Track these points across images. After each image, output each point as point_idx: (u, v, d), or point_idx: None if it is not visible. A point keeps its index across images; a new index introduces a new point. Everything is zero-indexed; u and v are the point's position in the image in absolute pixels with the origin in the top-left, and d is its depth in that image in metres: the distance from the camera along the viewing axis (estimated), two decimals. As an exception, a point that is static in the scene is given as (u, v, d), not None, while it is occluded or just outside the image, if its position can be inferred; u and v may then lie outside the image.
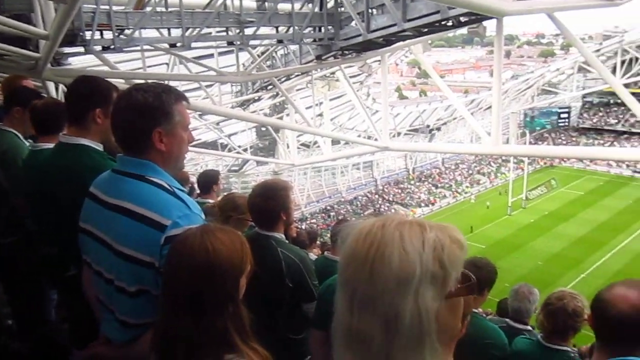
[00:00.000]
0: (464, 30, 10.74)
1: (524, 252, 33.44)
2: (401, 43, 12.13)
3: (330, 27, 11.05)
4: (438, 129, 43.99)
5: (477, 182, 50.42)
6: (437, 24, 9.45)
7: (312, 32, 11.30)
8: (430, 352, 0.96)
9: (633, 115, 48.55)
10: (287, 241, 3.18)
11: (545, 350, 2.99)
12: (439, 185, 48.99)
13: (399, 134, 40.53)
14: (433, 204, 45.26)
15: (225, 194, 4.85)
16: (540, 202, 43.36)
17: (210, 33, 10.49)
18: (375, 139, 14.69)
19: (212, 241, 1.58)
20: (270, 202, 3.06)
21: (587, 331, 2.44)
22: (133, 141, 1.88)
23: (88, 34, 8.42)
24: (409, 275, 0.94)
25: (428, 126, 42.39)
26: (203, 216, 1.91)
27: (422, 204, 45.19)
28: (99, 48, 8.88)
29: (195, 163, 30.17)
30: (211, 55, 16.09)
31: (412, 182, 49.14)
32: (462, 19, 9.42)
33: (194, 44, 9.97)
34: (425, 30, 10.17)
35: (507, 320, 3.89)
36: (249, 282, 1.70)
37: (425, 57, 13.56)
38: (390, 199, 46.14)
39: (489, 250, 33.08)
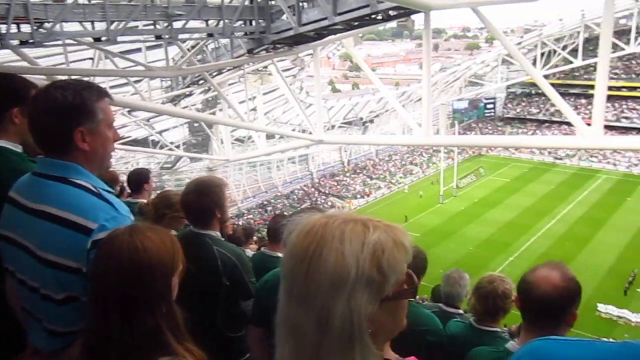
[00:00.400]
0: (393, 24, 10.94)
1: (456, 238, 34.62)
2: (333, 36, 12.22)
3: (261, 21, 10.97)
4: (371, 121, 44.68)
5: (410, 173, 51.65)
6: (367, 18, 9.59)
7: (243, 25, 11.18)
8: (361, 353, 0.96)
9: (553, 105, 51.04)
10: (222, 239, 3.14)
11: (476, 331, 3.11)
12: (374, 176, 49.83)
13: (333, 126, 40.84)
14: (368, 195, 45.99)
15: (159, 191, 4.73)
16: (470, 190, 44.97)
17: (137, 27, 10.16)
18: (310, 133, 14.75)
19: (142, 240, 1.53)
20: (204, 199, 3.00)
21: (517, 311, 2.55)
22: (53, 142, 1.78)
23: (3, 27, 7.95)
24: (343, 278, 0.94)
25: (361, 119, 43.00)
26: (132, 217, 1.84)
27: (358, 196, 45.82)
28: (16, 42, 8.40)
29: (125, 162, 29.20)
30: (139, 50, 15.62)
31: (348, 174, 49.72)
32: (391, 12, 9.61)
33: (120, 38, 9.63)
34: (356, 23, 10.29)
35: (440, 305, 4.00)
36: (184, 280, 1.66)
37: (357, 51, 13.71)
38: (327, 191, 46.50)
39: (423, 238, 33.99)
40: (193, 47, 14.46)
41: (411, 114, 38.36)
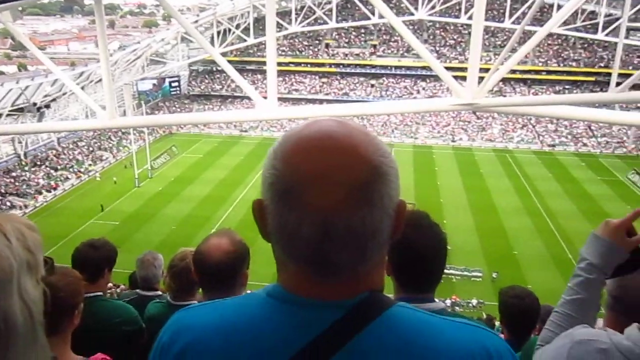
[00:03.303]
0: (58, -2, 9.95)
1: (158, 220, 34.37)
2: (-17, 10, 10.45)
3: None
4: (47, 106, 40.24)
5: (100, 159, 48.63)
6: (24, -10, 8.48)
7: None
8: (43, 343, 0.93)
9: (234, 81, 54.20)
10: None
11: (175, 308, 3.13)
12: (59, 167, 45.31)
13: (0, 115, 35.66)
14: (55, 189, 41.67)
15: None
16: (166, 170, 44.95)
17: None
18: (-31, 124, 12.51)
19: None
20: None
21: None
22: None
23: None
24: (8, 271, 0.87)
25: (35, 104, 38.31)
26: None
27: (43, 190, 41.17)
28: None
29: None
30: None
31: (27, 168, 44.09)
32: (54, -15, 8.70)
33: None
34: (11, -5, 9.01)
35: (137, 291, 3.94)
36: None
37: (18, 27, 12.06)
38: (3, 190, 40.47)
39: (123, 226, 32.77)
40: None
41: (93, 96, 36.02)
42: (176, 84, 56.25)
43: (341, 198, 0.87)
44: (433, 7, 31.97)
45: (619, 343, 1.04)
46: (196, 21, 43.91)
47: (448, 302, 23.83)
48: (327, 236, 0.88)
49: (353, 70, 62.18)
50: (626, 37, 39.01)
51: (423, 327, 0.96)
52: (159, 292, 3.87)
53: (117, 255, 3.42)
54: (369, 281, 0.98)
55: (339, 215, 0.88)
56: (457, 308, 23.46)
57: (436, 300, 2.07)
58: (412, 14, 33.29)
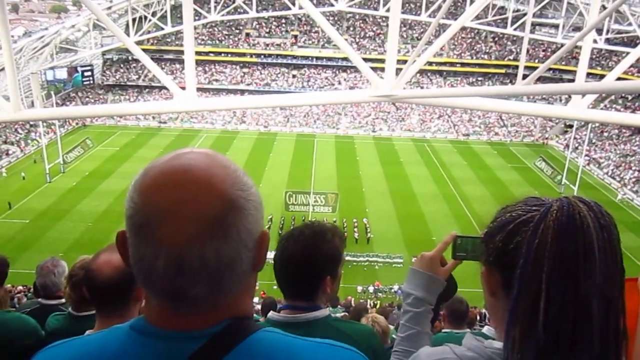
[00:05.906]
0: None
1: (72, 216, 32.72)
2: None
3: None
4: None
5: (5, 153, 45.58)
6: None
7: None
8: None
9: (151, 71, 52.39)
10: None
11: (78, 320, 3.00)
12: (-41, 162, 42.16)
13: None
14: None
15: None
16: (79, 164, 42.83)
17: None
18: None
19: None
20: None
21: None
22: None
23: None
24: None
25: None
26: None
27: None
28: None
29: None
30: None
31: None
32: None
33: None
34: None
35: (39, 300, 3.76)
36: None
37: None
38: None
39: (34, 224, 31.03)
40: None
41: (-4, 86, 33.64)
42: (89, 73, 53.62)
43: (193, 232, 0.89)
44: (352, -1, 32.36)
45: (463, 355, 1.08)
46: (109, 7, 41.96)
47: (371, 288, 24.45)
48: (181, 270, 0.90)
49: (274, 61, 61.89)
50: (532, 32, 41.42)
51: (285, 351, 0.98)
52: (63, 300, 3.68)
53: (9, 266, 3.27)
54: (232, 309, 1.00)
55: (191, 249, 0.90)
56: (379, 294, 24.12)
57: (322, 307, 2.11)
58: (332, 5, 33.53)
